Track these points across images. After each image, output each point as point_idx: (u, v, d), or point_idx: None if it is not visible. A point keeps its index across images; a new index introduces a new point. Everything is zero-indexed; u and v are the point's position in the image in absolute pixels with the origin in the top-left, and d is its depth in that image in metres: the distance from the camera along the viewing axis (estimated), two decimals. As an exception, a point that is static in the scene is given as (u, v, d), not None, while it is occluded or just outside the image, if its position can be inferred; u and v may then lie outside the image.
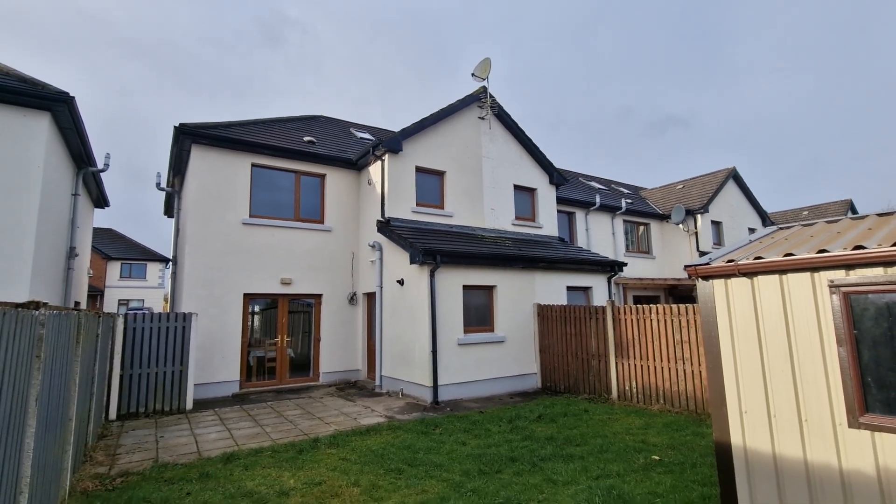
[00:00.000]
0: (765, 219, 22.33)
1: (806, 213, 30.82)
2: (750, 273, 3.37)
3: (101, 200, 14.24)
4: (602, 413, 7.85)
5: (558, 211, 15.87)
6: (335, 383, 11.38)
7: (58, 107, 8.00)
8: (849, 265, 2.92)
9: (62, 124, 8.57)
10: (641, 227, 19.78)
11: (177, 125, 10.25)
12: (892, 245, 2.72)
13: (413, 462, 5.49)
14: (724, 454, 3.46)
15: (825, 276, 3.03)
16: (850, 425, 2.88)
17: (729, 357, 3.49)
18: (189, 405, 8.66)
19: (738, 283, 3.44)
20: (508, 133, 13.37)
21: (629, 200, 19.65)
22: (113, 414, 7.98)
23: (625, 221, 19.02)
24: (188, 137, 10.36)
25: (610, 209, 18.08)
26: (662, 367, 8.14)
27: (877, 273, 2.82)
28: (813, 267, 3.08)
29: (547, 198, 13.96)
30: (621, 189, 22.54)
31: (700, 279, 3.65)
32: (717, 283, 3.57)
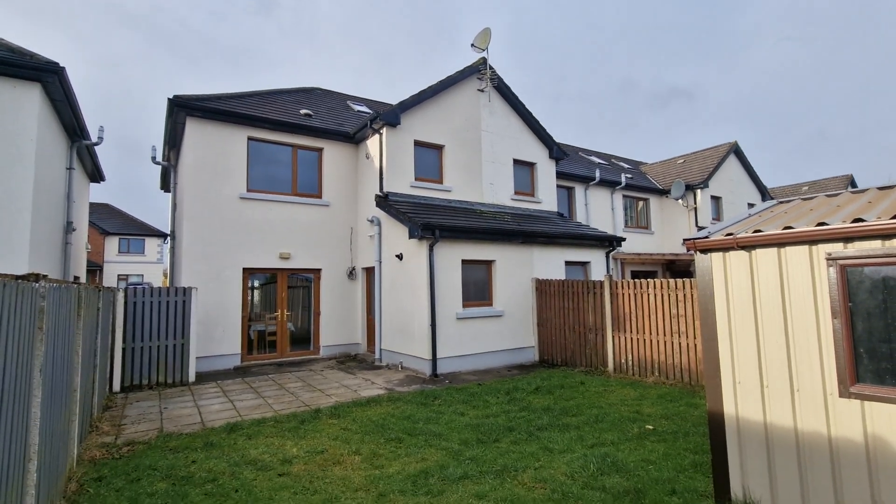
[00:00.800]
0: (764, 194, 22.26)
1: (806, 188, 30.70)
2: (748, 246, 3.38)
3: (96, 174, 14.09)
4: (598, 385, 8.00)
5: (558, 186, 15.77)
6: (335, 356, 11.54)
7: (48, 77, 7.82)
8: (847, 238, 2.93)
9: (53, 96, 8.39)
10: (641, 203, 19.72)
11: (171, 97, 10.06)
12: (892, 218, 2.72)
13: (413, 432, 5.62)
14: (716, 423, 3.55)
15: (823, 249, 3.04)
16: (841, 395, 2.94)
17: (724, 329, 3.53)
18: (191, 378, 8.79)
19: (737, 257, 3.46)
20: (508, 106, 13.16)
21: (629, 175, 19.52)
22: (117, 386, 8.11)
23: (624, 196, 18.94)
24: (183, 110, 10.18)
25: (609, 184, 17.97)
26: (658, 341, 8.25)
27: (874, 246, 2.83)
28: (811, 240, 3.08)
29: (546, 172, 13.86)
30: (621, 164, 22.36)
31: (699, 252, 3.66)
32: (716, 257, 3.58)
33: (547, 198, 13.74)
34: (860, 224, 2.82)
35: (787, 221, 3.31)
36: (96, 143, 10.87)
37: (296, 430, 5.74)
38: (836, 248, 2.98)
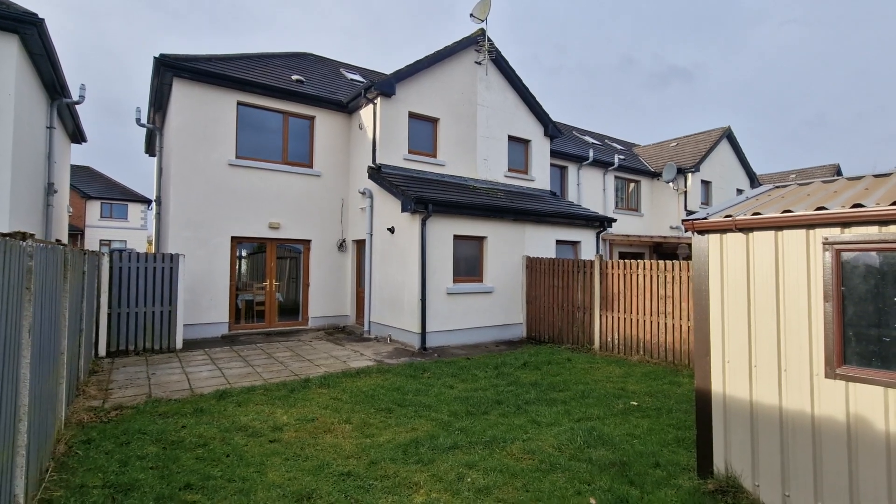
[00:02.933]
0: (753, 180, 22.47)
1: (793, 175, 31.06)
2: (746, 229, 3.40)
3: (77, 135, 13.63)
4: (584, 362, 8.15)
5: (551, 164, 15.69)
6: (324, 328, 11.55)
7: (26, 29, 7.44)
8: (845, 223, 2.96)
9: (32, 49, 8.00)
10: (632, 184, 19.77)
11: (157, 56, 9.66)
12: (891, 204, 2.75)
13: (402, 403, 5.69)
14: (703, 400, 3.64)
15: (820, 234, 3.07)
16: (827, 376, 3.02)
17: (717, 310, 3.59)
18: (179, 344, 8.73)
19: (733, 239, 3.48)
20: (505, 80, 12.93)
21: (622, 157, 19.50)
22: (103, 351, 8.03)
23: (616, 178, 18.96)
24: (170, 70, 9.80)
25: (602, 165, 17.94)
26: (644, 321, 8.40)
27: (871, 231, 2.86)
28: (809, 224, 3.11)
29: (541, 150, 13.76)
30: (615, 145, 22.30)
31: (696, 233, 3.68)
32: (713, 238, 3.60)
33: (540, 176, 13.68)
34: (859, 210, 2.85)
35: (785, 205, 3.32)
36: (77, 102, 10.46)
37: (286, 399, 5.77)
38: (834, 233, 3.01)
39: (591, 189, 17.82)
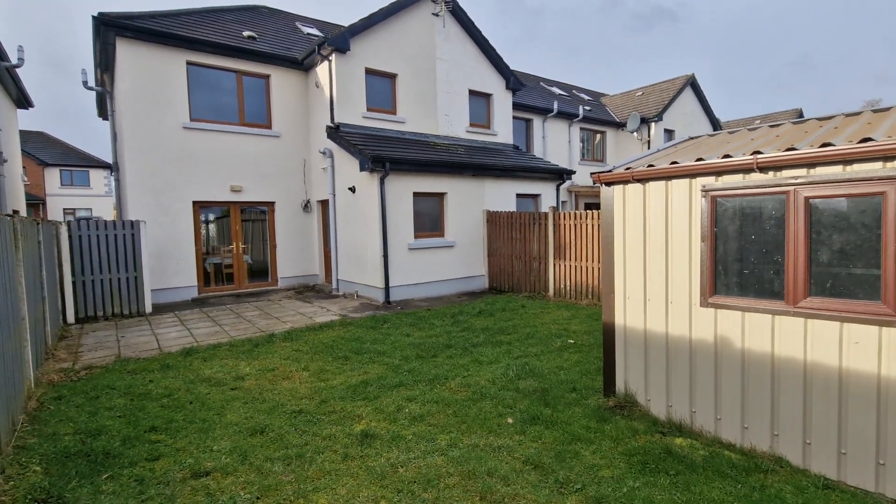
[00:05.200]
0: (716, 127, 22.92)
1: (758, 121, 31.65)
2: (643, 179, 3.78)
3: (22, 100, 13.06)
4: (537, 308, 8.73)
5: (515, 118, 15.79)
6: (294, 287, 11.87)
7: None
8: (718, 172, 3.36)
9: (-42, 11, 7.63)
10: (598, 136, 20.02)
11: (95, 15, 9.27)
12: (752, 154, 3.14)
13: (359, 351, 6.14)
14: (609, 332, 4.14)
15: (700, 182, 3.47)
16: (702, 305, 3.51)
17: (620, 253, 4.02)
18: (148, 308, 8.98)
19: (633, 189, 3.87)
20: (464, 32, 12.76)
21: (588, 108, 19.61)
22: (71, 318, 8.23)
23: (581, 129, 19.16)
24: (111, 30, 9.43)
25: (568, 116, 18.07)
26: (592, 268, 8.95)
27: (737, 179, 3.27)
28: (692, 174, 3.50)
29: (503, 104, 13.81)
30: (582, 95, 22.32)
31: (603, 185, 4.05)
32: (617, 189, 3.98)
33: (503, 130, 13.81)
34: (727, 160, 3.24)
35: (675, 157, 3.70)
36: (17, 66, 10.06)
37: (250, 353, 6.16)
38: (710, 181, 3.41)
39: (556, 141, 18.02)
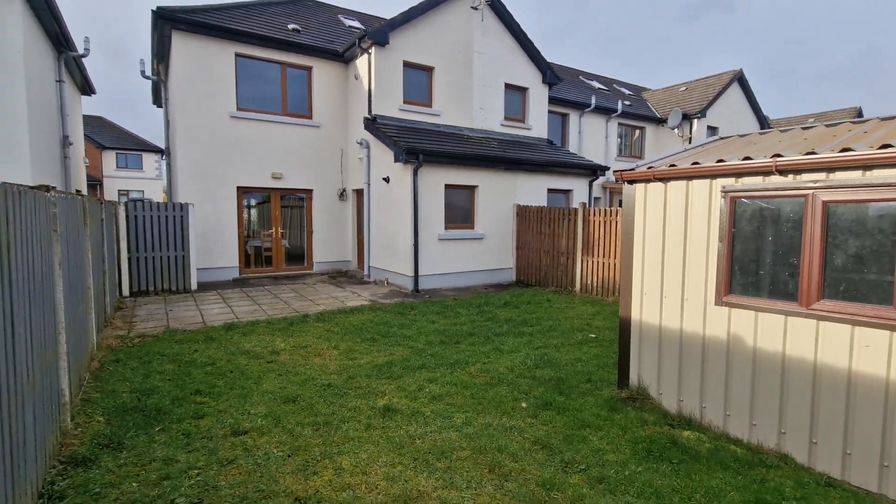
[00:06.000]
0: (763, 125, 21.99)
1: (812, 119, 30.05)
2: (665, 178, 3.86)
3: (86, 87, 14.05)
4: (562, 302, 8.82)
5: (552, 112, 15.71)
6: (327, 272, 12.36)
7: (28, -15, 7.75)
8: (738, 174, 3.41)
9: (34, 4, 8.34)
10: (637, 132, 19.62)
11: (154, 9, 9.89)
12: (771, 156, 3.18)
13: (386, 334, 6.46)
14: (625, 326, 4.26)
15: (720, 183, 3.53)
16: (716, 303, 3.59)
17: (639, 250, 4.12)
18: (194, 286, 9.62)
19: (654, 188, 3.95)
20: (502, 25, 12.80)
21: (627, 103, 19.23)
22: (126, 291, 8.94)
23: (620, 125, 18.82)
24: (168, 23, 10.05)
25: (605, 111, 17.80)
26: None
27: (756, 181, 3.32)
28: (712, 174, 3.56)
29: (538, 98, 13.78)
30: (622, 90, 21.85)
31: (626, 183, 4.14)
32: (639, 187, 4.07)
33: (537, 124, 13.80)
34: (747, 162, 3.29)
35: (698, 157, 3.76)
36: (83, 55, 10.85)
37: (285, 330, 6.59)
38: (730, 182, 3.47)
39: (593, 136, 17.80)
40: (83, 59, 11.76)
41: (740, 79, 20.57)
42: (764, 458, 3.21)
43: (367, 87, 11.13)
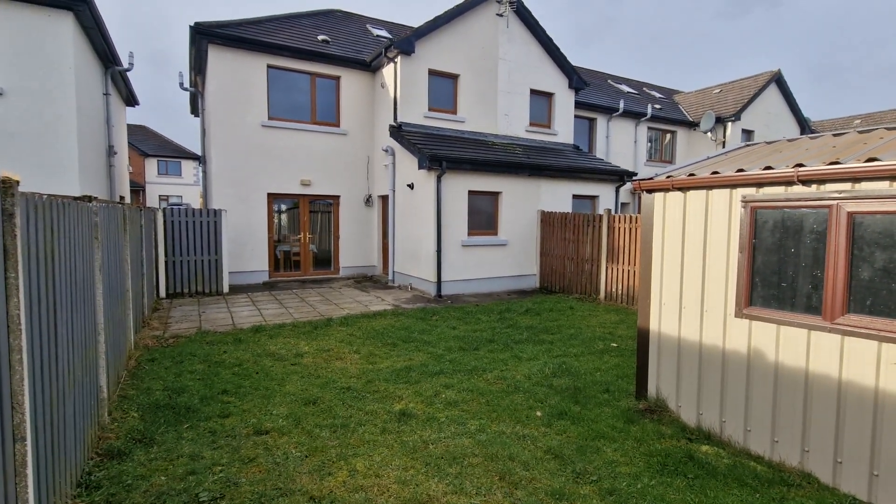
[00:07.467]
0: (804, 128, 21.12)
1: (858, 121, 28.65)
2: (684, 188, 3.81)
3: (130, 99, 14.82)
4: (585, 310, 8.72)
5: (579, 116, 15.60)
6: (353, 276, 12.60)
7: (78, 6, 8.29)
8: (759, 184, 3.34)
9: (85, 23, 8.90)
10: (668, 136, 19.19)
11: (192, 25, 10.39)
12: (795, 166, 3.11)
13: (407, 339, 6.55)
14: (643, 337, 4.21)
15: (740, 193, 3.47)
16: (737, 315, 3.51)
17: (658, 259, 4.07)
18: (225, 289, 9.99)
19: (673, 197, 3.90)
20: (528, 32, 12.81)
21: (657, 106, 18.85)
22: (163, 293, 9.38)
23: (650, 129, 18.46)
24: (204, 38, 10.53)
25: (634, 115, 17.50)
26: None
27: (779, 191, 3.25)
28: (732, 184, 3.50)
29: (564, 103, 13.70)
30: (653, 93, 21.42)
31: (644, 192, 4.11)
32: (658, 197, 4.03)
33: (563, 129, 13.71)
34: (768, 172, 3.22)
35: (719, 166, 3.70)
36: (128, 69, 11.47)
37: (309, 333, 6.78)
38: (750, 192, 3.40)
39: (621, 141, 17.52)
40: (128, 73, 12.45)
41: (778, 80, 19.86)
42: (785, 477, 3.12)
43: (392, 96, 11.34)
